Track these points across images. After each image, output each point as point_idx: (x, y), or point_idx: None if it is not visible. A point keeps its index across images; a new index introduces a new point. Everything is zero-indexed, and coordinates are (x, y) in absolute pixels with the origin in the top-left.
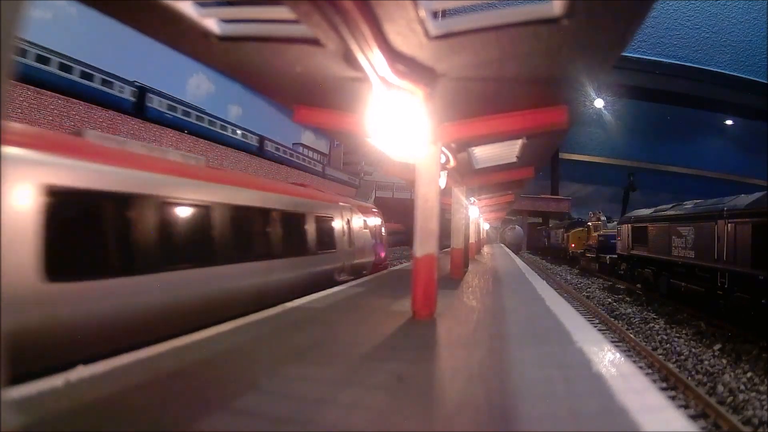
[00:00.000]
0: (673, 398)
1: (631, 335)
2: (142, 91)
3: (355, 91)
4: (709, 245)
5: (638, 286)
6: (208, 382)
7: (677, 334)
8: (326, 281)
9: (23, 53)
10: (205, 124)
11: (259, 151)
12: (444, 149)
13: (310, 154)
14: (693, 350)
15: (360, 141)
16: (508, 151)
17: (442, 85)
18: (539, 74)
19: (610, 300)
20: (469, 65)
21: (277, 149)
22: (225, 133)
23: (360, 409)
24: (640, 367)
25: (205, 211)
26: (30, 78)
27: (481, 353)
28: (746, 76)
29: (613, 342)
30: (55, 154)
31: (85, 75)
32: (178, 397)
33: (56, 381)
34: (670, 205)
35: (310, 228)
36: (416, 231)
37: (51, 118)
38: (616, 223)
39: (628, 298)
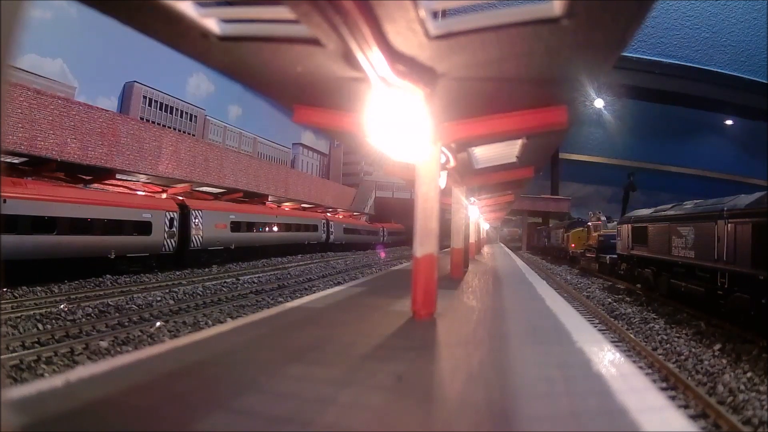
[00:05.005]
0: (673, 398)
1: (631, 335)
2: None
3: (355, 91)
4: (709, 245)
5: (638, 286)
6: (207, 382)
7: (677, 334)
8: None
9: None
10: None
11: None
12: (444, 149)
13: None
14: (693, 350)
15: (360, 141)
16: (508, 151)
17: (443, 85)
18: (539, 74)
19: (610, 300)
20: (469, 65)
21: None
22: None
23: (359, 409)
24: (640, 367)
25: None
26: None
27: (481, 353)
28: (746, 76)
29: (613, 342)
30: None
31: None
32: (178, 397)
33: (56, 381)
34: (670, 205)
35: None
36: (416, 231)
37: (51, 118)
38: (616, 223)
39: (628, 298)
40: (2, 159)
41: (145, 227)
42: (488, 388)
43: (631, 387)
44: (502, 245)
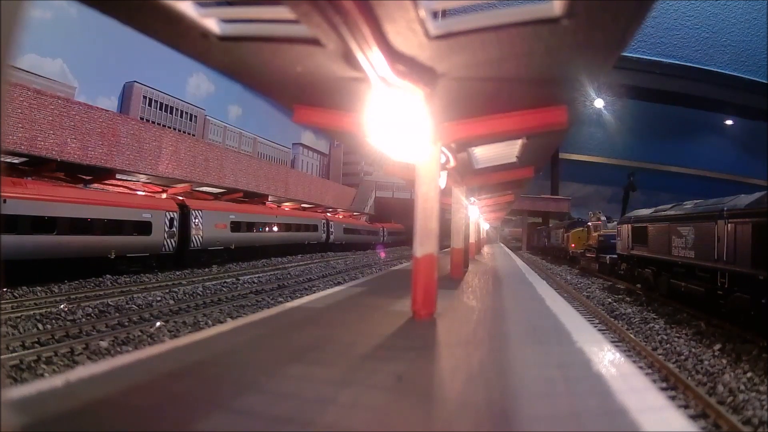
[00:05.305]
0: (673, 398)
1: (631, 335)
2: None
3: (355, 91)
4: (709, 245)
5: (638, 286)
6: (207, 382)
7: (677, 334)
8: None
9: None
10: None
11: None
12: (444, 149)
13: None
14: (693, 350)
15: (360, 141)
16: (508, 151)
17: (443, 85)
18: (539, 74)
19: (610, 300)
20: (469, 65)
21: None
22: None
23: (359, 409)
24: (640, 367)
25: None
26: None
27: (481, 353)
28: (746, 76)
29: (613, 342)
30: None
31: None
32: (178, 397)
33: (56, 381)
34: (670, 205)
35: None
36: (416, 231)
37: (51, 118)
38: (616, 223)
39: (628, 298)
40: (2, 159)
41: (145, 227)
42: (488, 388)
43: (631, 387)
44: (502, 245)
